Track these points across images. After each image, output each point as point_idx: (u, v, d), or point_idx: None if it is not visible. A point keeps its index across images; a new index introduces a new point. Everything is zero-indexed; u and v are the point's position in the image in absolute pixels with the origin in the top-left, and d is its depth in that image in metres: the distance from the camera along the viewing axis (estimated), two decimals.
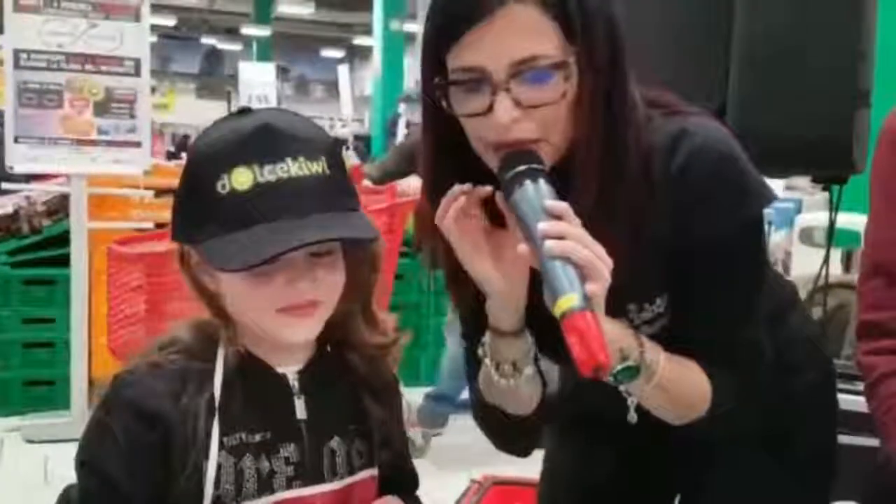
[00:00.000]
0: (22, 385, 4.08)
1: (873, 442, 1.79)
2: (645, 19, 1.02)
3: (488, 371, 1.06)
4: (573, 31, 0.94)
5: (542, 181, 0.95)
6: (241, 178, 0.92)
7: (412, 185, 3.68)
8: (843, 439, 1.99)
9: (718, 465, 1.22)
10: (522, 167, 0.95)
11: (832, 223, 1.80)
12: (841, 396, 1.97)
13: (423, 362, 4.61)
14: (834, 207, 1.75)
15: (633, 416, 1.05)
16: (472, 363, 1.13)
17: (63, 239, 3.92)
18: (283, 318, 0.96)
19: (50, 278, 4.09)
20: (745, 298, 1.08)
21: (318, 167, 0.95)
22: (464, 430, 4.01)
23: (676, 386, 1.03)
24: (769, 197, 1.05)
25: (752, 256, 1.09)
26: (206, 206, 0.94)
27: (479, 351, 1.07)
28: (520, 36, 0.93)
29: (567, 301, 0.87)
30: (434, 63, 0.98)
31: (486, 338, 1.06)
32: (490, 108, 0.95)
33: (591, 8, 0.96)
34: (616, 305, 0.97)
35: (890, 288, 1.10)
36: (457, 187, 0.99)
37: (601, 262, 0.90)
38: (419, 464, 1.18)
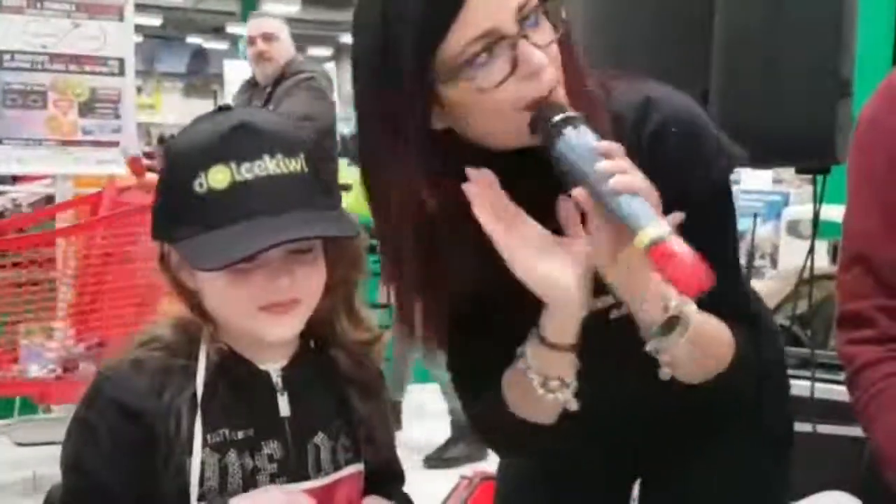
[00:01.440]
0: None
1: (857, 432, 1.81)
2: (627, 13, 1.02)
3: (531, 382, 1.00)
4: None
5: (581, 126, 0.93)
6: (219, 177, 0.92)
7: None
8: (827, 429, 2.01)
9: (684, 447, 1.20)
10: (559, 116, 0.93)
11: (816, 213, 1.81)
12: (824, 387, 1.99)
13: (413, 361, 4.61)
14: (818, 198, 1.76)
15: (665, 373, 1.00)
16: (471, 388, 1.10)
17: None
18: (263, 317, 0.96)
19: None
20: (732, 256, 1.08)
21: (296, 165, 0.94)
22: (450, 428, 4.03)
23: (707, 337, 1.01)
24: (739, 155, 1.06)
25: (731, 213, 1.09)
26: (184, 205, 0.94)
27: (520, 363, 1.00)
28: None
29: (654, 229, 0.85)
30: (419, 67, 0.92)
31: (531, 352, 0.99)
32: (515, 64, 0.91)
33: None
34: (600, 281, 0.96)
35: (868, 277, 1.10)
36: (477, 180, 0.92)
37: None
38: (408, 460, 1.18)
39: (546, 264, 0.93)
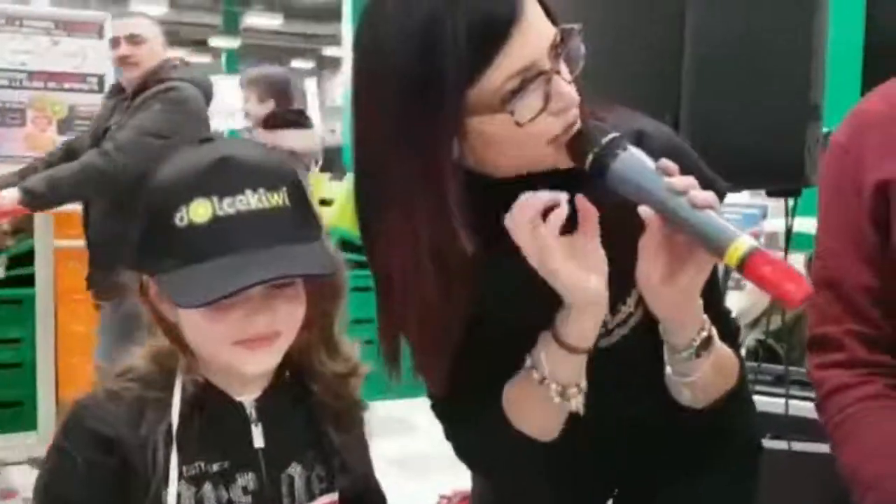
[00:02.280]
0: None
1: (826, 448, 1.82)
2: (597, 40, 1.03)
3: (546, 391, 0.99)
4: (548, 11, 0.95)
5: (629, 146, 0.93)
6: (200, 211, 0.91)
7: None
8: (801, 446, 2.02)
9: (661, 468, 1.21)
10: (606, 139, 0.93)
11: (788, 231, 1.83)
12: (800, 404, 2.01)
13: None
14: (790, 218, 1.78)
15: (686, 396, 1.02)
16: (461, 413, 1.09)
17: (28, 258, 3.89)
18: (241, 351, 0.96)
19: (15, 298, 4.04)
20: (716, 279, 1.08)
21: (278, 199, 0.94)
22: (432, 442, 4.02)
23: (724, 358, 1.03)
24: (726, 190, 1.08)
25: None
26: (165, 239, 0.93)
27: (535, 374, 0.99)
28: (542, 19, 0.93)
29: (743, 243, 0.85)
30: (455, 99, 0.89)
31: (549, 360, 0.98)
32: (548, 98, 0.91)
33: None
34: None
35: (838, 301, 1.11)
36: (545, 196, 0.92)
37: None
38: (387, 478, 1.18)
39: (571, 266, 0.93)
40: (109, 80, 3.94)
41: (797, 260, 3.14)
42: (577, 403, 1.00)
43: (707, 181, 1.03)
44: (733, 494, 1.23)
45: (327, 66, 26.27)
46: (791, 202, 1.76)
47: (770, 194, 1.73)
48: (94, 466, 0.94)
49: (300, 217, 0.96)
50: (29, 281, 3.85)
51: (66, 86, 3.84)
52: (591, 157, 0.93)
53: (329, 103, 22.28)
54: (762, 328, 2.92)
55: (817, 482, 1.56)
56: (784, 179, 1.55)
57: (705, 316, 0.99)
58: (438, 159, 0.91)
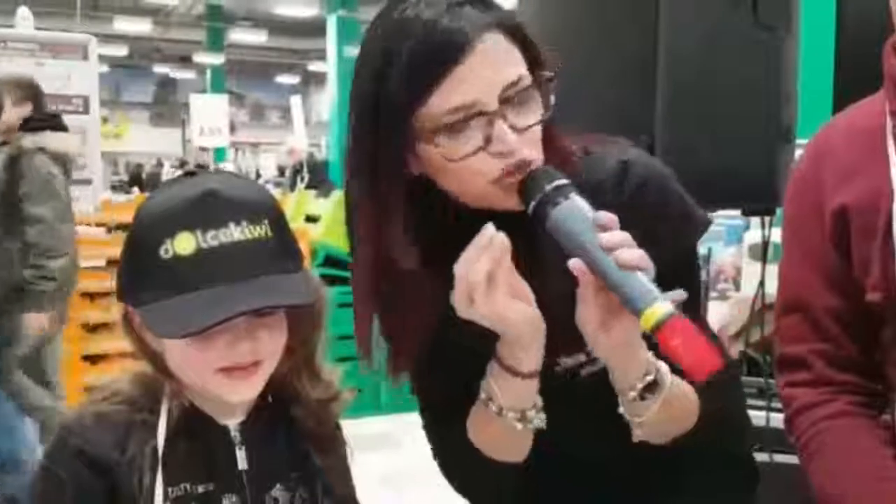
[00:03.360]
0: None
1: None
2: (571, 65, 1.06)
3: (507, 420, 1.01)
4: (533, 56, 0.97)
5: (574, 195, 0.93)
6: (184, 244, 0.94)
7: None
8: (784, 458, 2.05)
9: (654, 486, 1.20)
10: (550, 186, 0.93)
11: (765, 245, 1.87)
12: (780, 416, 2.04)
13: (382, 390, 4.63)
14: (766, 232, 1.82)
15: (637, 434, 1.02)
16: (443, 426, 1.12)
17: None
18: (225, 380, 0.98)
19: None
20: (697, 307, 1.09)
21: (260, 231, 0.97)
22: (418, 458, 4.02)
23: (679, 399, 1.03)
24: (707, 222, 1.10)
25: (697, 276, 1.13)
26: (149, 270, 0.96)
27: (492, 407, 1.01)
28: (502, 62, 0.94)
29: (660, 308, 0.85)
30: (399, 123, 0.95)
31: (502, 392, 1.00)
32: (489, 140, 0.94)
33: (531, 35, 0.99)
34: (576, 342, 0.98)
35: (805, 323, 1.15)
36: (489, 234, 0.92)
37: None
38: (372, 495, 1.20)
39: (511, 301, 0.94)
40: (95, 101, 3.97)
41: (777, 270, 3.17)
42: (539, 421, 1.02)
43: (685, 214, 1.07)
44: None
45: (312, 81, 26.32)
46: (768, 218, 1.81)
47: (745, 213, 1.77)
48: (81, 487, 0.96)
49: (282, 248, 0.99)
50: None
51: (52, 107, 3.84)
52: (532, 203, 0.94)
53: (315, 118, 22.34)
54: (744, 339, 2.95)
55: (799, 494, 1.58)
56: (757, 200, 1.59)
57: (655, 360, 0.99)
58: (386, 176, 0.98)
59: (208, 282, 0.93)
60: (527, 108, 0.96)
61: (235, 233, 0.95)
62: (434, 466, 1.18)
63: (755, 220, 5.60)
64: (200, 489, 1.00)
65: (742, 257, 5.08)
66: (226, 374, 0.98)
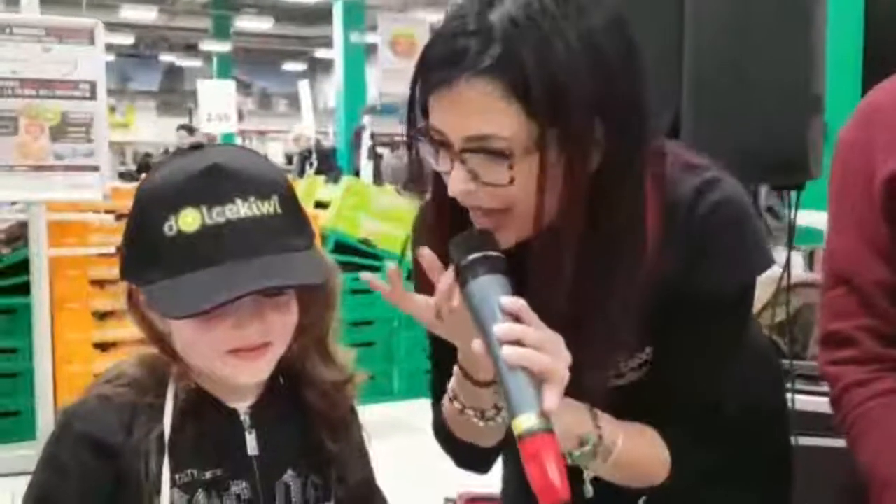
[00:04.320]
0: None
1: (839, 443, 1.80)
2: None
3: (468, 417, 1.02)
4: (535, 110, 0.88)
5: (497, 273, 0.89)
6: (189, 220, 0.90)
7: None
8: (809, 441, 2.01)
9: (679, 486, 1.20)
10: (476, 255, 0.89)
11: (791, 227, 1.82)
12: (804, 398, 2.00)
13: (395, 377, 4.60)
14: (793, 212, 1.77)
15: (589, 490, 1.01)
16: (436, 389, 1.12)
17: (24, 267, 3.86)
18: (233, 361, 0.94)
19: (10, 307, 4.02)
20: (725, 357, 1.06)
21: (268, 207, 0.93)
22: (434, 444, 4.00)
23: (635, 459, 1.03)
24: (769, 261, 1.06)
25: (743, 316, 1.09)
26: (153, 248, 0.91)
27: (455, 404, 1.03)
28: (474, 112, 0.89)
29: (525, 420, 0.82)
30: (417, 109, 0.96)
31: (459, 388, 1.02)
32: (448, 174, 0.93)
33: (565, 86, 0.88)
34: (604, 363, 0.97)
35: (851, 296, 1.10)
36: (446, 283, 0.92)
37: (560, 362, 0.85)
38: (389, 482, 1.16)
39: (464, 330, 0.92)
40: (102, 87, 3.92)
41: (798, 254, 3.13)
42: (501, 420, 1.01)
43: (759, 252, 1.03)
44: None
45: (319, 68, 26.24)
46: (794, 200, 1.75)
47: (774, 188, 1.71)
48: (86, 473, 0.93)
49: (291, 225, 0.95)
50: (24, 290, 3.83)
51: (59, 93, 3.80)
52: (454, 267, 0.91)
53: (321, 105, 22.29)
54: (766, 322, 2.91)
55: (824, 477, 1.55)
56: (787, 173, 1.53)
57: (597, 428, 0.98)
58: (416, 163, 0.99)
59: (214, 260, 0.89)
60: (496, 166, 0.90)
61: (242, 209, 0.91)
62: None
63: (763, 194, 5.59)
64: (208, 475, 0.96)
65: None
66: (234, 356, 0.94)
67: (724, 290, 1.02)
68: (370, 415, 1.12)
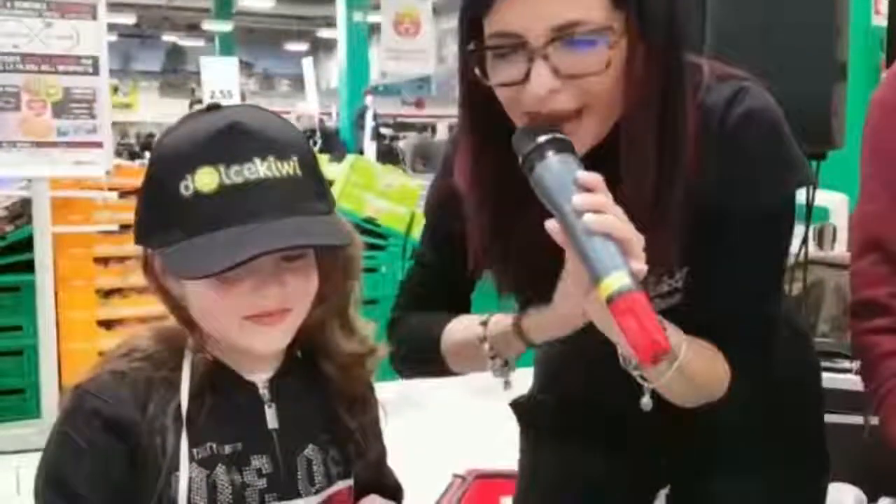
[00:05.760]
0: None
1: (854, 419, 1.77)
2: None
3: (477, 351, 1.05)
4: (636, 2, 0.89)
5: (568, 152, 0.88)
6: (206, 180, 0.86)
7: None
8: (826, 418, 1.98)
9: (709, 456, 1.16)
10: (544, 137, 0.88)
11: (810, 201, 1.78)
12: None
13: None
14: (814, 188, 1.73)
15: (647, 403, 0.97)
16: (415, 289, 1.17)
17: (27, 244, 3.83)
18: (251, 327, 0.91)
19: (14, 285, 3.99)
20: (773, 273, 1.04)
21: (288, 168, 0.89)
22: (445, 422, 3.99)
23: (696, 370, 0.98)
24: (809, 176, 1.03)
25: (786, 230, 1.05)
26: (169, 209, 0.88)
27: (479, 331, 1.04)
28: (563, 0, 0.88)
29: (616, 280, 0.80)
30: (469, 29, 0.94)
31: (497, 331, 1.02)
32: (526, 77, 0.89)
33: None
34: None
35: (883, 263, 1.07)
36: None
37: (640, 240, 0.84)
38: (399, 459, 1.14)
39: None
40: (104, 62, 3.88)
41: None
42: (502, 375, 1.04)
43: (794, 163, 1.00)
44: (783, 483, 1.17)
45: (322, 47, 26.12)
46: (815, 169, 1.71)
47: None
48: (99, 451, 0.89)
49: (311, 188, 0.91)
50: (28, 267, 3.80)
51: (61, 68, 3.76)
52: (521, 156, 0.90)
53: (324, 85, 22.20)
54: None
55: (843, 453, 1.52)
56: (810, 141, 1.49)
57: (671, 331, 0.93)
58: (464, 84, 0.98)
59: (231, 221, 0.86)
60: (585, 54, 0.88)
61: (261, 169, 0.87)
62: (456, 431, 1.14)
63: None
64: (228, 449, 0.93)
65: None
66: (252, 322, 0.90)
67: (761, 202, 0.99)
68: (379, 392, 1.09)
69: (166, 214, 0.88)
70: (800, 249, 1.90)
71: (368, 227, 4.69)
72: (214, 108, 0.93)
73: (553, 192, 0.86)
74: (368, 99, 12.13)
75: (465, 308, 1.17)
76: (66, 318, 3.98)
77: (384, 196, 4.86)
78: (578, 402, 1.22)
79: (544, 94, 0.90)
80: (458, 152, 1.05)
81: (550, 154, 0.87)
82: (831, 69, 1.45)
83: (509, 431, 1.36)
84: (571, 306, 0.92)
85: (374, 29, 15.14)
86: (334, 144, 8.03)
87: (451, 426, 3.63)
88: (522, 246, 0.99)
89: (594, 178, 0.85)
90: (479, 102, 0.97)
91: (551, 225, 0.85)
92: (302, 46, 26.86)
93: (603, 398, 1.11)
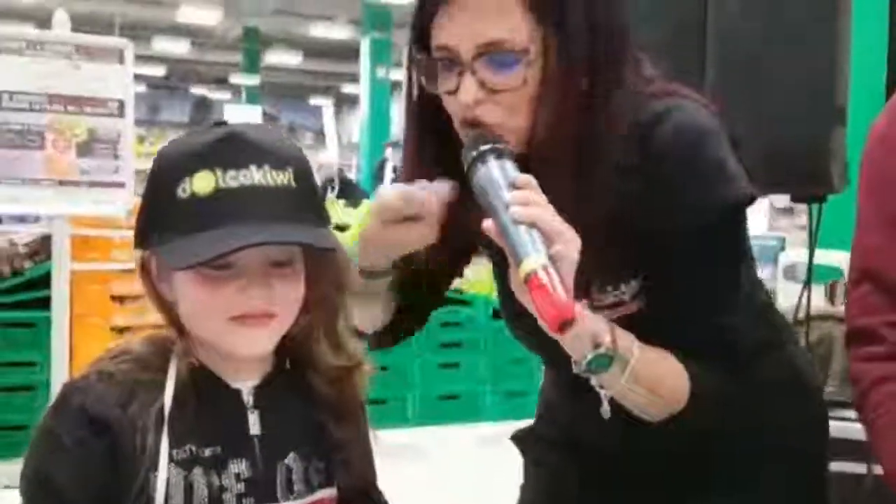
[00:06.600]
0: (2, 430, 4.00)
1: (857, 468, 1.76)
2: None
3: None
4: (544, 15, 0.96)
5: (505, 158, 0.97)
6: (203, 183, 0.91)
7: None
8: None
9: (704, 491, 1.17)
10: (486, 146, 0.97)
11: (812, 242, 1.79)
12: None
13: (410, 402, 4.56)
14: (814, 228, 1.74)
15: (605, 410, 1.00)
16: None
17: (45, 281, 3.88)
18: (235, 328, 0.94)
19: (30, 321, 4.04)
20: (722, 286, 1.06)
21: (283, 178, 0.93)
22: (445, 470, 3.95)
23: (652, 376, 1.00)
24: (747, 189, 1.04)
25: (729, 244, 1.07)
26: (166, 210, 0.93)
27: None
28: (486, 18, 0.96)
29: (533, 261, 0.87)
30: (418, 41, 1.03)
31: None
32: (457, 88, 0.99)
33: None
34: (577, 287, 0.94)
35: (877, 293, 1.09)
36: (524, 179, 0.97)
37: (570, 232, 0.90)
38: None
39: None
40: (130, 105, 3.97)
41: (817, 290, 3.10)
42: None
43: (727, 174, 1.02)
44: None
45: (345, 102, 26.51)
46: (814, 216, 1.73)
47: (795, 200, 1.70)
48: (82, 447, 0.92)
49: (304, 199, 0.95)
50: (45, 304, 3.84)
51: (87, 109, 3.85)
52: (465, 163, 0.99)
53: (346, 139, 22.47)
54: None
55: (842, 501, 1.51)
56: (809, 184, 1.52)
57: (611, 333, 0.97)
58: (410, 88, 1.07)
59: (225, 222, 0.90)
60: (507, 71, 0.97)
61: (257, 175, 0.91)
62: (463, 480, 1.15)
63: (790, 240, 5.55)
64: (207, 452, 0.95)
65: (777, 280, 5.02)
66: (238, 322, 0.93)
67: (694, 214, 1.01)
68: (384, 440, 1.10)
69: (163, 215, 0.93)
70: (799, 300, 1.91)
71: None
72: (220, 124, 0.98)
73: (489, 192, 0.94)
74: (388, 151, 12.26)
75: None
76: (81, 356, 4.00)
77: None
78: (570, 435, 1.23)
79: (470, 104, 0.98)
80: (403, 152, 1.14)
81: (491, 159, 0.96)
82: (829, 114, 1.48)
83: (516, 480, 1.36)
84: (519, 297, 0.95)
85: (396, 86, 15.39)
86: (352, 192, 8.13)
87: (458, 475, 3.60)
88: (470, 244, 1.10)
89: (525, 177, 0.94)
90: (421, 103, 1.07)
91: (487, 224, 0.92)
92: (326, 101, 27.29)
93: (589, 432, 1.12)
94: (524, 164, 0.99)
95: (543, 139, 1.00)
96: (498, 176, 0.95)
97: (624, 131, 1.01)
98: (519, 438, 1.33)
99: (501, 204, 0.92)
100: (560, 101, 0.99)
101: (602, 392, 0.99)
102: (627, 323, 1.02)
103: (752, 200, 1.05)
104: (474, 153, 0.98)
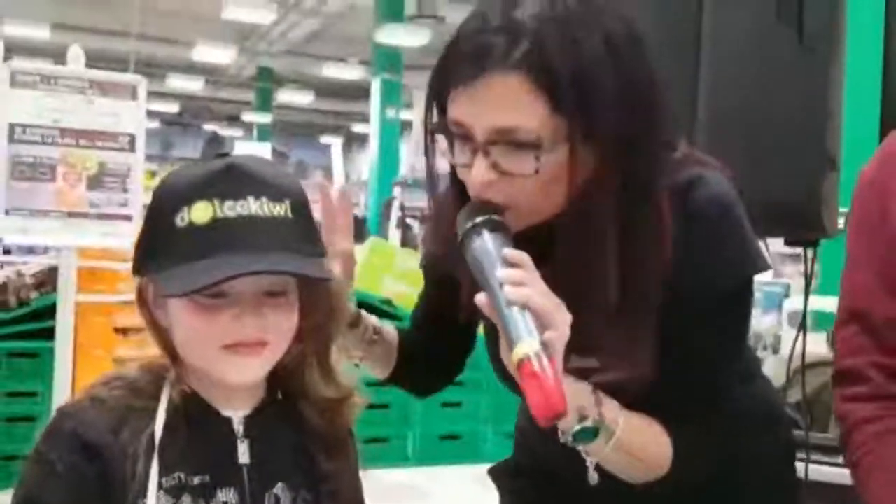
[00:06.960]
0: (3, 460, 4.01)
1: None
2: None
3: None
4: (562, 104, 0.94)
5: (500, 232, 0.96)
6: (201, 213, 0.93)
7: None
8: None
9: None
10: (481, 218, 0.97)
11: (808, 283, 1.81)
12: (820, 469, 1.96)
13: (410, 441, 4.55)
14: (809, 273, 1.76)
15: (593, 477, 1.01)
16: None
17: (50, 312, 3.90)
18: (228, 356, 0.95)
19: (34, 351, 4.06)
20: (726, 351, 1.07)
21: (280, 209, 0.95)
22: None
23: (636, 446, 1.02)
24: (763, 265, 1.07)
25: (741, 313, 1.10)
26: (164, 238, 0.94)
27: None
28: (502, 105, 0.95)
29: (524, 347, 0.86)
30: (437, 104, 1.03)
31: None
32: (471, 164, 0.98)
33: (589, 80, 0.94)
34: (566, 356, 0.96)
35: (864, 334, 1.10)
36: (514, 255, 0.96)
37: (562, 314, 0.89)
38: None
39: None
40: (141, 140, 4.02)
41: (820, 337, 3.11)
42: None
43: (748, 251, 1.05)
44: None
45: (355, 141, 26.72)
46: (809, 260, 1.74)
47: (788, 243, 1.71)
48: (73, 472, 0.93)
49: (301, 231, 0.97)
50: (49, 334, 3.86)
51: (99, 143, 3.90)
52: (459, 234, 0.98)
53: (355, 176, 22.59)
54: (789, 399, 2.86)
55: None
56: (802, 229, 1.53)
57: (598, 404, 0.98)
58: (427, 153, 1.06)
59: (221, 251, 0.91)
60: (519, 157, 0.96)
61: (254, 206, 0.93)
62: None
63: (794, 287, 5.53)
64: (196, 480, 0.96)
65: (781, 326, 5.01)
66: (230, 351, 0.95)
67: (717, 284, 1.03)
68: (384, 479, 1.11)
69: (161, 243, 0.95)
70: (793, 345, 1.92)
71: (384, 309, 4.73)
72: (222, 155, 1.00)
73: (483, 267, 0.93)
74: (396, 190, 12.35)
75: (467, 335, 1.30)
76: (82, 386, 4.00)
77: (402, 278, 4.92)
78: (546, 464, 1.24)
79: (481, 185, 0.98)
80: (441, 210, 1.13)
81: (485, 232, 0.95)
82: (821, 160, 1.50)
83: None
84: (510, 371, 0.95)
85: (406, 125, 15.50)
86: (358, 229, 8.18)
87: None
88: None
89: (519, 254, 0.93)
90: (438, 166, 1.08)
91: (480, 299, 0.92)
92: (336, 140, 27.49)
93: (565, 470, 1.13)
94: (532, 233, 1.00)
95: (580, 216, 0.99)
96: (492, 249, 0.94)
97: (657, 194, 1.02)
98: (495, 473, 1.34)
99: (495, 281, 0.91)
100: (599, 180, 0.98)
101: (588, 460, 1.00)
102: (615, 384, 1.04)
103: (765, 270, 1.08)
104: (469, 224, 0.97)
